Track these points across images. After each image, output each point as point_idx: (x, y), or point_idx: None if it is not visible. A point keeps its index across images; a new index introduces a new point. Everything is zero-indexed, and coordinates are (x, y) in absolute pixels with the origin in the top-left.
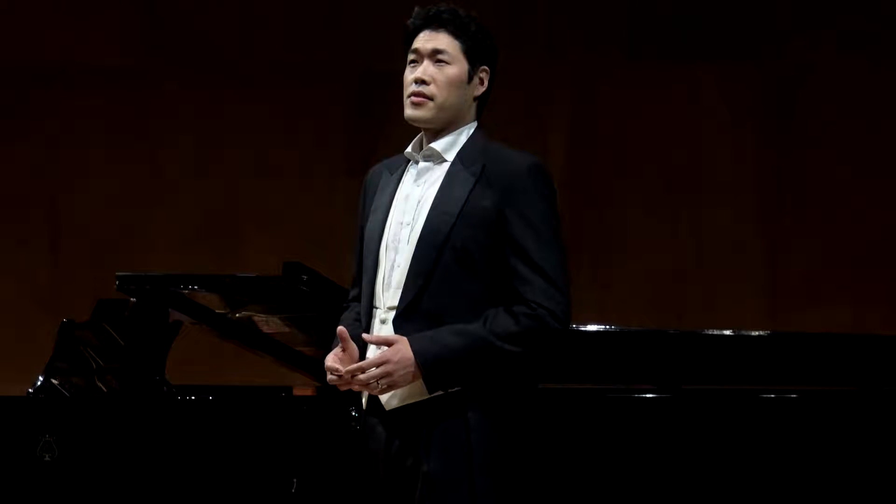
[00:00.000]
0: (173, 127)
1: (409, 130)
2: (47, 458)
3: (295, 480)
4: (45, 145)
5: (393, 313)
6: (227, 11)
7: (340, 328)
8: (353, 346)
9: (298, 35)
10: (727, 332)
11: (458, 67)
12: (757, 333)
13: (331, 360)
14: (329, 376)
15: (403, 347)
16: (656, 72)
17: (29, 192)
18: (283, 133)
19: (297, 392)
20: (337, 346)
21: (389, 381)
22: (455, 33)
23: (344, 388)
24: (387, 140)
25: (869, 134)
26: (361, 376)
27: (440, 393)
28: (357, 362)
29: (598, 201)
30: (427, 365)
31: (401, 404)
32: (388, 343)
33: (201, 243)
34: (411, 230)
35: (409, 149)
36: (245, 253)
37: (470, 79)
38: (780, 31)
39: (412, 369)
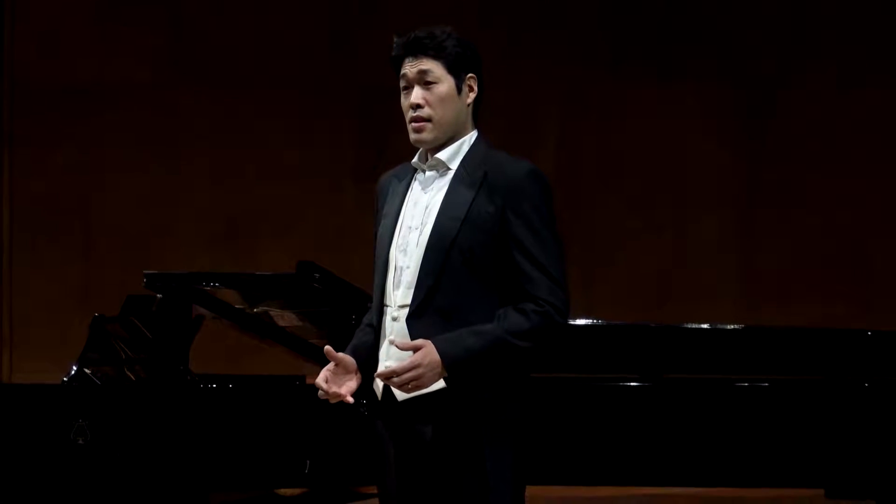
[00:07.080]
0: (196, 136)
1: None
2: (80, 442)
3: (308, 461)
4: (79, 153)
5: (403, 311)
6: (245, 31)
7: (327, 347)
8: (346, 358)
9: (310, 52)
10: (705, 326)
11: (446, 84)
12: (732, 327)
13: (321, 378)
14: (319, 392)
15: (431, 351)
16: (641, 86)
17: (64, 195)
18: (297, 142)
19: (311, 381)
20: (329, 364)
21: (419, 382)
22: (435, 55)
23: (334, 401)
24: (391, 147)
25: (836, 143)
26: (396, 379)
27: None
28: (352, 372)
29: (585, 205)
30: (452, 366)
31: (413, 395)
32: (416, 348)
33: (221, 243)
34: (420, 234)
35: (415, 159)
36: (261, 252)
37: (459, 90)
38: (754, 51)
39: (439, 370)
